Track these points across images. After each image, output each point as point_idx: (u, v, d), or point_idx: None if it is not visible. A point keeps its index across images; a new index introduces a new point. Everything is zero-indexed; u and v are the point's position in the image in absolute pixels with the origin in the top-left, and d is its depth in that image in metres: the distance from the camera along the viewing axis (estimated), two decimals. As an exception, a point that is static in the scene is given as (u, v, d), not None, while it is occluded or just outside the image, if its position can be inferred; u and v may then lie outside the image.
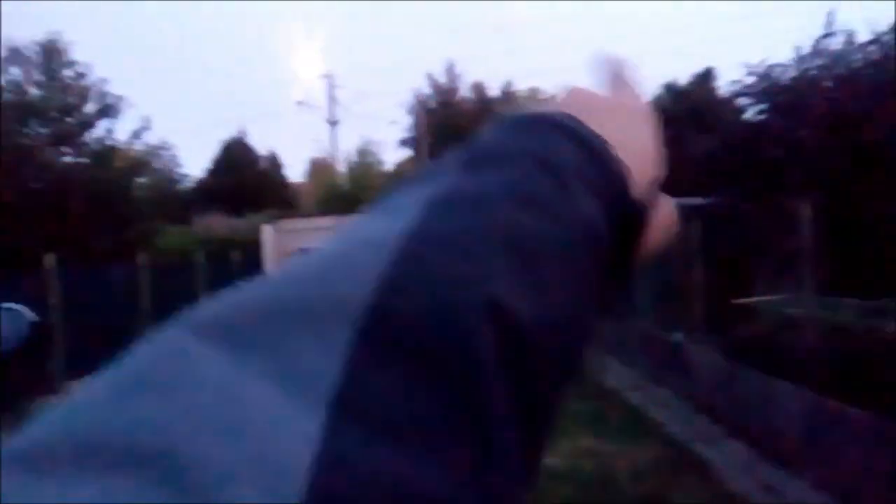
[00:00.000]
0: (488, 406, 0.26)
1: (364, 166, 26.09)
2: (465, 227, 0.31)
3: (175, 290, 13.93)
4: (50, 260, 10.35)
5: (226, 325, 0.25)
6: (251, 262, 18.22)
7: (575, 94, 0.47)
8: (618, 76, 0.52)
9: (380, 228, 0.31)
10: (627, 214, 0.39)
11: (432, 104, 34.72)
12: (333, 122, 29.44)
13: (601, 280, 0.36)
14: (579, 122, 0.41)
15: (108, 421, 0.21)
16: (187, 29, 48.79)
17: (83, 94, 21.08)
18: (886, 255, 8.93)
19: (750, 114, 13.56)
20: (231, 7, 49.83)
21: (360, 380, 0.24)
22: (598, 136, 0.40)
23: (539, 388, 0.30)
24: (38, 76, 20.63)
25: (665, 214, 0.46)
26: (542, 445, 0.30)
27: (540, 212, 0.34)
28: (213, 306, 0.26)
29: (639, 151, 0.44)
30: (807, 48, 12.75)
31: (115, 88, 21.77)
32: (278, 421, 0.22)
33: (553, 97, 0.48)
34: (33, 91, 20.44)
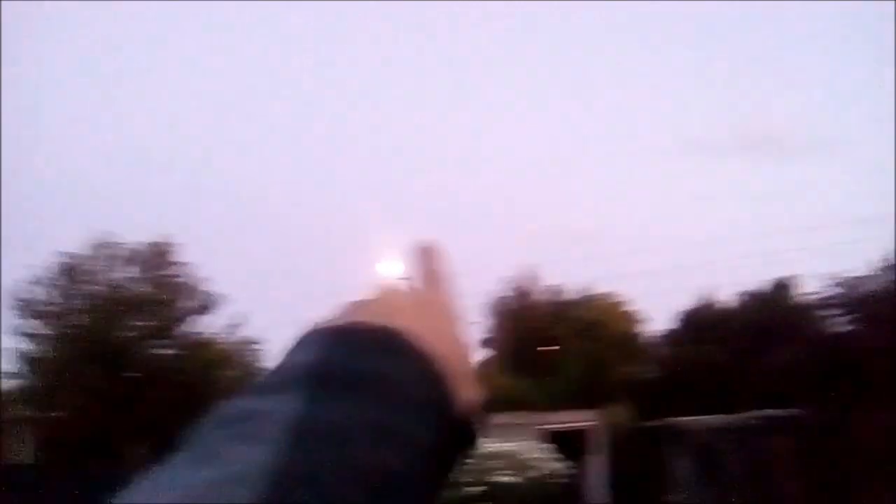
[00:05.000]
0: None
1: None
2: (329, 464, 0.32)
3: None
4: (130, 452, 10.75)
5: None
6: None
7: (388, 294, 0.50)
8: (430, 269, 0.55)
9: (244, 459, 0.31)
10: (455, 431, 0.42)
11: (511, 306, 35.33)
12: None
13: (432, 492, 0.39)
14: (416, 339, 0.43)
15: None
16: (286, 234, 52.24)
17: (185, 292, 22.50)
18: None
19: (832, 323, 13.44)
20: (317, 211, 53.24)
21: None
22: (433, 355, 0.43)
23: None
24: (146, 274, 22.25)
25: (472, 395, 0.48)
26: None
27: (393, 445, 0.35)
28: None
29: (453, 348, 0.46)
30: (885, 261, 12.81)
31: (216, 286, 23.15)
32: None
33: (367, 297, 0.49)
34: (141, 288, 21.96)
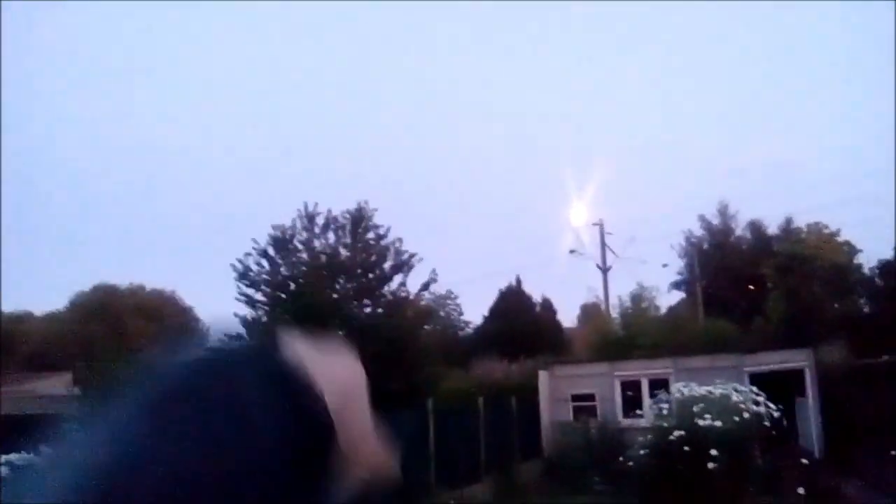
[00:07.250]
0: None
1: (637, 311, 25.97)
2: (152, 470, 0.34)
3: (458, 433, 14.89)
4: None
5: None
6: (527, 406, 18.80)
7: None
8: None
9: (76, 462, 0.36)
10: (320, 434, 0.44)
11: (705, 246, 33.97)
12: (605, 269, 29.95)
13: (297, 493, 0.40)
14: (275, 351, 0.45)
15: None
16: (470, 191, 53.60)
17: (382, 254, 23.86)
18: None
19: None
20: (503, 166, 53.75)
21: None
22: (294, 364, 0.45)
23: None
24: (347, 240, 23.84)
25: (375, 453, 0.50)
26: None
27: (246, 440, 0.37)
28: None
29: (342, 383, 0.49)
30: None
31: (408, 245, 24.34)
32: None
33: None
34: (343, 252, 23.57)
